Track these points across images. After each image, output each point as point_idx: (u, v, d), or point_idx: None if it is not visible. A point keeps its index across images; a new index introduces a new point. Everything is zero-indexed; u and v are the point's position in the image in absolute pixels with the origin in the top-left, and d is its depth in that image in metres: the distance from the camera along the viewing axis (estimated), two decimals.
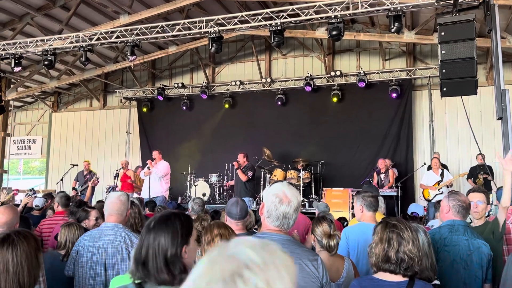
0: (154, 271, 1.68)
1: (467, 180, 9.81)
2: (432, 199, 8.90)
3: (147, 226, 1.78)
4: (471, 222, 3.45)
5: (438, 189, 8.98)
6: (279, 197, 2.08)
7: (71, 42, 9.46)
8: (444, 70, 6.53)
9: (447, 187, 8.99)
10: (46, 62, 9.36)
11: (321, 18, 8.05)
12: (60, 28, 11.24)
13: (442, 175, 9.13)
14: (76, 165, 11.53)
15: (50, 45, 9.58)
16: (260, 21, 8.43)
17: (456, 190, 3.27)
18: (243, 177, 9.19)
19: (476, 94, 6.60)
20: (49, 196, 7.97)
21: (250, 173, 9.28)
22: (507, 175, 3.21)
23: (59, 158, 15.51)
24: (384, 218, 2.24)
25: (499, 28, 6.61)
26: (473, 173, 9.60)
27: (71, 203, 5.32)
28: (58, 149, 15.66)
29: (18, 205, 6.91)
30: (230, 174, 11.81)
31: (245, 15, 8.59)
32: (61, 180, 10.98)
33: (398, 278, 1.99)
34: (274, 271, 0.81)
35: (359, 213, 3.49)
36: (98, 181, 10.93)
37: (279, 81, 12.83)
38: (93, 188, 10.95)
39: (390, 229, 2.03)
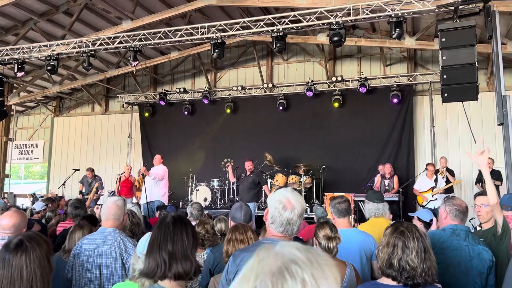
0: (181, 259, 1.87)
1: (475, 184, 9.78)
2: (425, 205, 8.89)
3: (165, 224, 1.93)
4: (480, 225, 3.46)
5: (432, 195, 8.98)
6: (283, 203, 2.09)
7: (74, 48, 9.52)
8: (445, 76, 6.57)
9: (445, 192, 8.97)
10: (49, 67, 9.42)
11: (323, 24, 8.10)
12: (63, 33, 11.31)
13: (436, 181, 9.13)
14: (78, 170, 11.57)
15: (53, 51, 9.64)
16: (262, 27, 8.48)
17: (452, 195, 3.31)
18: (268, 191, 9.66)
19: (477, 99, 6.63)
20: (49, 200, 8.01)
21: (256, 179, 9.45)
22: (484, 171, 3.22)
23: (60, 162, 15.55)
24: (396, 221, 2.25)
25: (500, 34, 6.66)
26: (481, 177, 9.58)
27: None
28: (60, 154, 15.70)
29: (25, 210, 6.95)
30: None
31: (247, 21, 8.65)
32: (63, 185, 11.03)
33: (401, 284, 2.00)
34: (319, 269, 0.85)
35: (332, 220, 3.54)
36: (102, 194, 10.99)
37: (280, 86, 12.89)
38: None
39: (397, 235, 2.04)
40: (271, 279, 0.82)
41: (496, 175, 8.78)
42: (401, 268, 1.97)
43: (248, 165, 9.47)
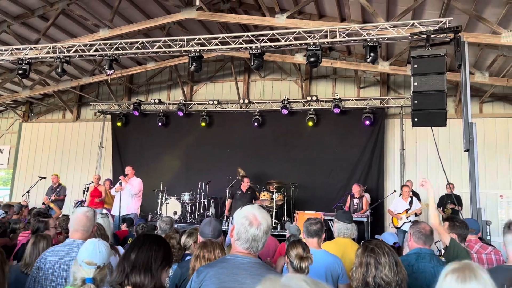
0: (142, 271, 1.90)
1: (437, 209, 10.06)
2: (400, 227, 9.06)
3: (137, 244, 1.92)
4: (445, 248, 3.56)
5: (407, 217, 9.15)
6: (249, 219, 2.09)
7: (48, 53, 9.33)
8: (416, 101, 6.77)
9: (416, 215, 9.17)
10: (20, 71, 9.17)
11: (300, 44, 8.24)
12: (37, 37, 11.08)
13: (411, 203, 9.32)
14: (45, 178, 11.21)
15: (26, 54, 9.42)
16: (240, 43, 8.56)
17: (417, 220, 3.48)
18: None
19: (446, 125, 6.84)
20: (7, 207, 7.72)
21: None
22: (430, 196, 3.64)
23: (26, 169, 15.04)
24: (365, 241, 2.29)
25: (468, 64, 6.94)
26: (442, 202, 9.87)
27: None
28: (26, 160, 15.20)
29: None
30: (203, 193, 11.72)
31: (226, 36, 8.71)
32: (28, 192, 10.65)
33: None
34: None
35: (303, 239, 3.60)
36: (63, 197, 10.70)
37: (256, 102, 12.97)
38: (61, 202, 10.68)
39: (368, 253, 2.08)
40: None
41: (456, 199, 9.06)
42: (376, 285, 2.00)
43: (247, 183, 9.94)
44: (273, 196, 10.61)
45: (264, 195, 10.71)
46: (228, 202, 10.40)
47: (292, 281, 0.84)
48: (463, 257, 3.24)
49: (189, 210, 11.53)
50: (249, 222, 2.08)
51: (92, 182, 10.49)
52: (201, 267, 2.19)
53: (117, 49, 9.02)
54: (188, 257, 3.56)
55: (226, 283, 1.96)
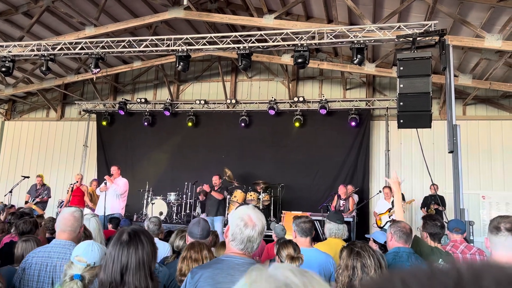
0: (136, 282, 1.69)
1: (421, 209, 10.23)
2: (383, 226, 9.17)
3: (120, 240, 1.81)
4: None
5: (389, 216, 9.28)
6: (244, 220, 2.11)
7: (32, 50, 9.19)
8: (401, 103, 6.86)
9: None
10: (3, 69, 9.02)
11: (288, 45, 8.28)
12: (21, 34, 10.87)
13: (393, 203, 9.44)
14: (28, 177, 11.02)
15: (9, 52, 9.26)
16: (228, 43, 8.56)
17: (395, 220, 3.55)
18: (219, 196, 9.67)
19: (431, 127, 6.95)
20: None
21: (225, 193, 9.95)
22: (396, 194, 3.86)
23: (8, 169, 14.77)
24: (349, 242, 2.31)
25: (453, 67, 7.06)
26: (426, 202, 10.03)
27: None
28: (9, 160, 14.92)
29: None
30: (189, 194, 11.67)
31: (214, 36, 8.70)
32: (10, 192, 10.46)
33: None
34: None
35: (294, 238, 3.61)
36: (47, 198, 10.56)
37: (243, 103, 12.97)
38: (44, 202, 10.53)
39: (355, 256, 2.10)
40: None
41: (440, 200, 9.23)
42: None
43: (216, 180, 9.84)
44: (260, 197, 10.63)
45: (250, 195, 10.72)
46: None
47: (278, 270, 0.82)
48: (427, 253, 3.32)
49: (175, 211, 11.47)
50: (244, 223, 2.09)
51: (76, 182, 10.36)
52: (195, 268, 2.19)
53: (103, 47, 8.93)
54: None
55: (222, 284, 1.96)
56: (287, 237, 4.94)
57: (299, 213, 9.25)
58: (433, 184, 9.31)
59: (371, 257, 2.09)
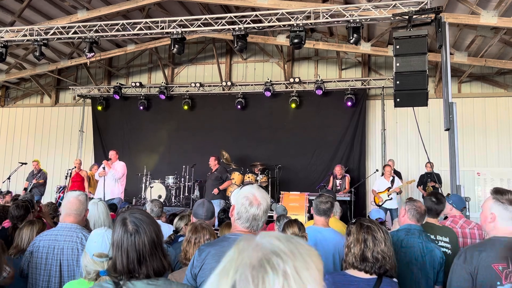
0: (152, 262, 1.74)
1: (417, 187, 10.36)
2: (382, 205, 9.29)
3: (128, 231, 1.79)
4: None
5: (388, 195, 9.39)
6: (250, 199, 2.16)
7: (25, 35, 9.07)
8: (398, 82, 6.88)
9: (397, 193, 9.41)
10: None
11: (283, 25, 8.22)
12: (12, 19, 10.72)
13: (392, 182, 9.55)
14: (25, 164, 11.03)
15: (2, 37, 9.14)
16: (223, 24, 8.49)
17: (413, 198, 3.56)
18: (228, 183, 9.77)
19: (427, 105, 6.99)
20: None
21: (229, 176, 9.99)
22: None
23: (4, 156, 14.73)
24: (357, 219, 2.38)
25: (449, 44, 7.06)
26: (422, 181, 10.15)
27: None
28: (4, 147, 14.87)
29: None
30: (187, 177, 11.73)
31: (209, 18, 8.62)
32: (8, 179, 10.48)
33: (367, 275, 2.13)
34: (301, 260, 0.83)
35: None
36: (43, 181, 10.60)
37: (239, 85, 12.93)
38: (42, 187, 10.56)
39: (365, 230, 2.18)
40: (252, 272, 0.78)
41: (436, 177, 9.34)
42: (375, 259, 2.11)
43: (212, 162, 9.73)
44: (258, 178, 10.70)
45: (248, 177, 10.79)
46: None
47: (265, 239, 0.85)
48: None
49: (173, 194, 11.53)
50: (249, 202, 2.14)
51: (75, 167, 10.37)
52: (203, 245, 2.25)
53: (96, 31, 8.84)
54: (181, 238, 3.62)
55: None
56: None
57: (297, 193, 9.37)
58: (428, 162, 9.41)
59: (381, 231, 2.18)
